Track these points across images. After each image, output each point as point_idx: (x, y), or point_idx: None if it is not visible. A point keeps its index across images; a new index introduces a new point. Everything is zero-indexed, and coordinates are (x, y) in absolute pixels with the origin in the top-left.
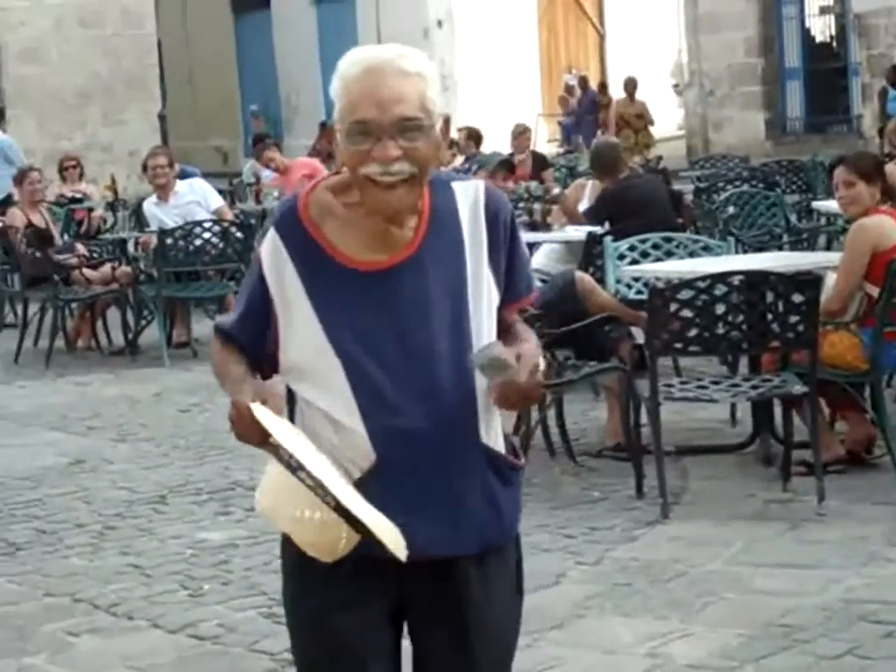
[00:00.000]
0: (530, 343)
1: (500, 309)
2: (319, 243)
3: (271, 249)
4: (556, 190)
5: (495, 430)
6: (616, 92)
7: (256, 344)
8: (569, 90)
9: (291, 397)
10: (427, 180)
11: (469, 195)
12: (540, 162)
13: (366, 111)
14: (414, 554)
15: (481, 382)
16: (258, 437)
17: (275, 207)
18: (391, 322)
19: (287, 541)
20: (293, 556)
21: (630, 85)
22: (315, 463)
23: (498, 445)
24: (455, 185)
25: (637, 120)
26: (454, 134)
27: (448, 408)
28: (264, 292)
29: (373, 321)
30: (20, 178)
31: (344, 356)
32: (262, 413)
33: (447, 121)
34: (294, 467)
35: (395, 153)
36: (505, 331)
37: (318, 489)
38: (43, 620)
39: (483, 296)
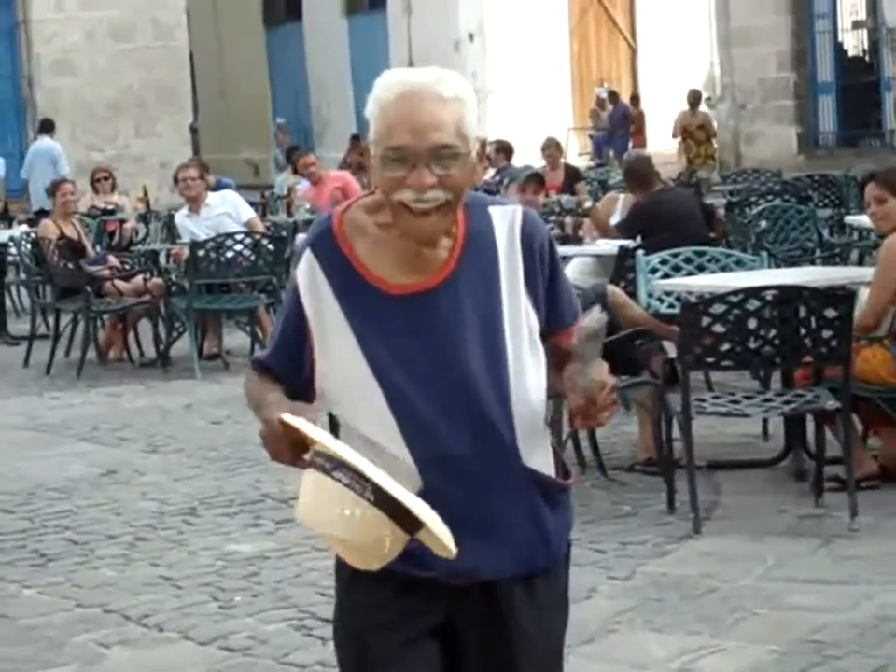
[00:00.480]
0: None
1: (550, 338)
2: (353, 263)
3: (306, 270)
4: (588, 203)
5: (540, 452)
6: (648, 106)
7: (292, 370)
8: (601, 103)
9: (333, 423)
10: (462, 203)
11: (506, 220)
12: (573, 176)
13: (401, 137)
14: (459, 578)
15: (521, 405)
16: (289, 453)
17: (310, 227)
18: (426, 345)
19: (340, 561)
20: (343, 578)
21: (692, 97)
22: (352, 457)
23: (544, 467)
24: (493, 209)
25: (698, 132)
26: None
27: (487, 432)
28: (300, 314)
29: (408, 344)
30: (53, 190)
31: (383, 379)
32: (293, 420)
33: (483, 144)
34: (329, 468)
35: (430, 181)
36: (562, 358)
37: (356, 484)
38: (74, 631)
39: (522, 321)
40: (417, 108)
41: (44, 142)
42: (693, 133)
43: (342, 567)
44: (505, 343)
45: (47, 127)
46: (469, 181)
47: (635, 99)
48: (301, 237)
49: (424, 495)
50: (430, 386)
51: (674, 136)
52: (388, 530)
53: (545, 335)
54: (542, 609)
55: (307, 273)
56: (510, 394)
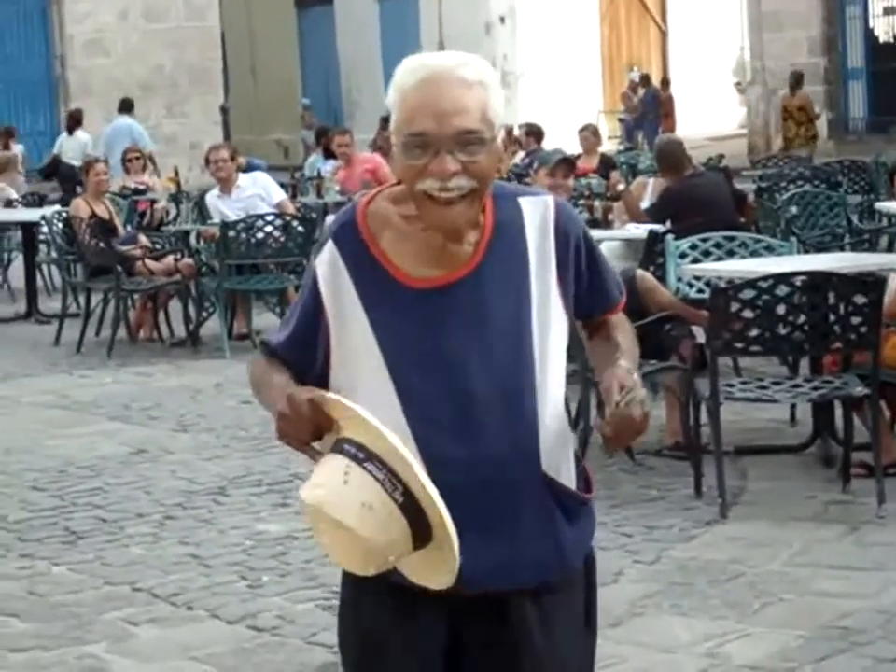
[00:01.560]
0: (623, 357)
1: (597, 317)
2: (376, 255)
3: (328, 260)
4: (621, 186)
5: (562, 460)
6: (677, 90)
7: (304, 361)
8: (633, 87)
9: None
10: (489, 194)
11: (537, 211)
12: (608, 164)
13: (423, 123)
14: (465, 587)
15: (545, 408)
16: (309, 436)
17: (335, 217)
18: (447, 342)
19: (345, 577)
20: (348, 587)
21: (793, 78)
22: (393, 449)
23: (565, 476)
24: (523, 200)
25: (799, 113)
26: (515, 131)
27: (507, 435)
28: (318, 305)
29: (428, 341)
30: (86, 169)
31: (397, 376)
32: (337, 399)
33: (510, 132)
34: (361, 458)
35: (453, 168)
36: (595, 331)
37: (388, 482)
38: (103, 608)
39: (551, 318)
40: (439, 93)
41: (124, 120)
42: (794, 113)
43: (346, 582)
44: (532, 342)
45: (126, 106)
46: (494, 169)
47: (665, 83)
48: (330, 219)
49: None
50: (448, 385)
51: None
52: (403, 537)
53: (591, 316)
54: (554, 621)
55: (328, 264)
56: (534, 396)
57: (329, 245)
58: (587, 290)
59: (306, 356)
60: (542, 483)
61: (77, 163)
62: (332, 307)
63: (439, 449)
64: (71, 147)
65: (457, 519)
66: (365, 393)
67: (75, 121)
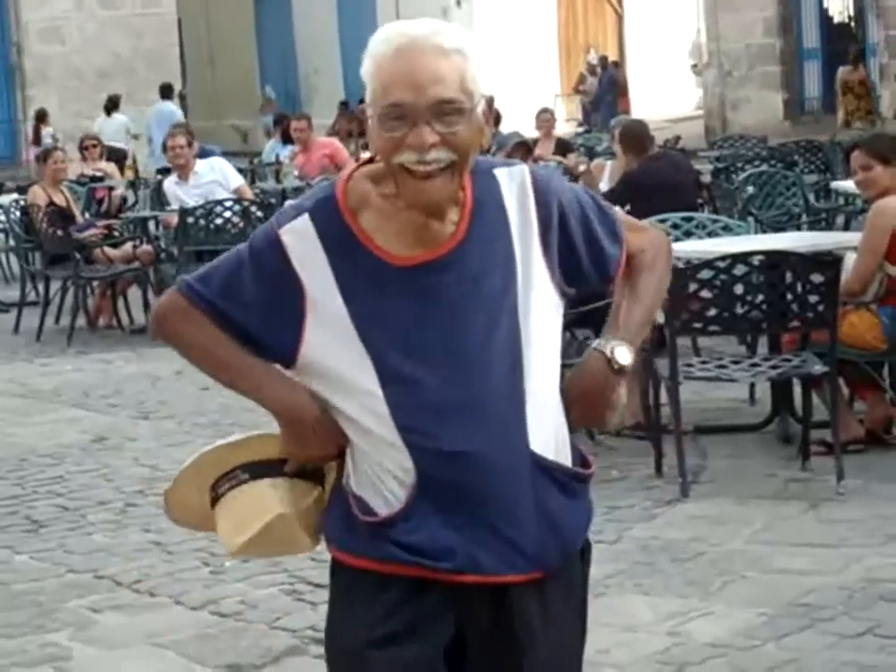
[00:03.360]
0: (621, 326)
1: (610, 277)
2: (356, 235)
3: (300, 233)
4: (583, 167)
5: (554, 438)
6: (634, 72)
7: (251, 327)
8: (591, 69)
9: None
10: (471, 164)
11: (514, 182)
12: (564, 148)
13: (399, 94)
14: (469, 575)
15: (534, 386)
16: (336, 441)
17: (310, 193)
18: (431, 322)
19: (336, 565)
20: (339, 584)
21: (853, 53)
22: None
23: (557, 454)
24: (498, 171)
25: (859, 87)
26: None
27: (494, 415)
28: (287, 276)
29: (412, 321)
30: (44, 157)
31: (377, 358)
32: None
33: (490, 102)
34: (244, 479)
35: (431, 139)
36: (627, 275)
37: (234, 479)
38: (66, 596)
39: (535, 290)
40: (416, 62)
41: (166, 105)
42: (854, 88)
43: (338, 573)
44: (518, 317)
45: (166, 92)
46: (475, 141)
47: (615, 64)
48: (289, 202)
49: (421, 485)
50: (432, 365)
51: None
52: (296, 488)
53: (590, 284)
54: (556, 610)
55: (300, 237)
56: (522, 374)
57: (305, 219)
58: (585, 256)
59: (255, 321)
60: (534, 463)
61: (117, 144)
62: (309, 285)
63: (424, 433)
64: (110, 129)
65: (448, 509)
66: (341, 375)
67: (112, 104)
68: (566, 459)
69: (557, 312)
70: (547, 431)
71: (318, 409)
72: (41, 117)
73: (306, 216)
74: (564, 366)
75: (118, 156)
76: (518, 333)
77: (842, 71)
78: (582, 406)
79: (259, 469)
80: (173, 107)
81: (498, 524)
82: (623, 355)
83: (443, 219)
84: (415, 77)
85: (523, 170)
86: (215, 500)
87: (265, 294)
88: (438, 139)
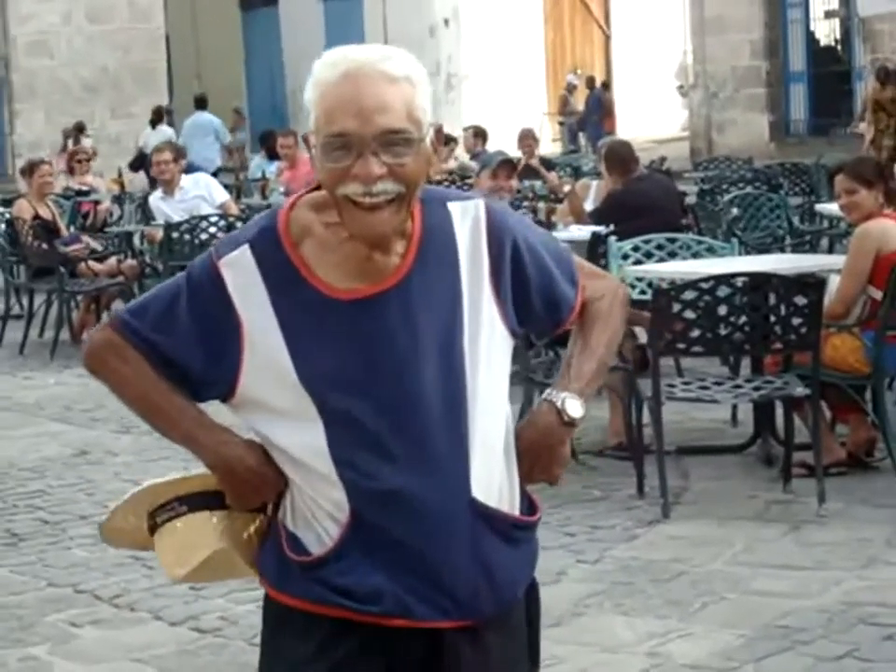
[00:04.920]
0: (574, 378)
1: (562, 321)
2: (297, 266)
3: (239, 265)
4: (567, 188)
5: (498, 483)
6: (621, 93)
7: (185, 363)
8: (571, 89)
9: None
10: (417, 199)
11: (468, 216)
12: (545, 165)
13: (344, 122)
14: (397, 619)
15: (478, 428)
16: (275, 488)
17: (252, 223)
18: (371, 358)
19: (267, 598)
20: (269, 621)
21: (882, 72)
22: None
23: (500, 500)
24: (452, 205)
25: (891, 105)
26: (457, 133)
27: (434, 457)
28: (226, 310)
29: (352, 357)
30: (30, 170)
31: (316, 394)
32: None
33: (439, 131)
34: (180, 511)
35: (378, 171)
36: (582, 322)
37: (173, 510)
38: (45, 610)
39: (484, 329)
40: (361, 89)
41: (202, 116)
42: (886, 106)
43: (269, 606)
44: (463, 357)
45: (201, 103)
46: (423, 172)
47: (605, 85)
48: (231, 233)
49: (356, 524)
50: (371, 403)
51: (863, 110)
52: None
53: (553, 326)
54: (493, 658)
55: (240, 269)
56: (466, 415)
57: (244, 251)
58: (537, 299)
59: (191, 355)
60: (473, 509)
61: None
62: (247, 319)
63: (359, 473)
64: (156, 140)
65: (381, 551)
66: (279, 410)
67: (158, 116)
68: (510, 506)
69: (507, 351)
70: (492, 476)
71: (254, 459)
72: (80, 129)
73: (246, 247)
74: (546, 384)
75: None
76: (463, 373)
77: (872, 89)
78: (531, 458)
79: (197, 501)
80: (210, 117)
81: (430, 569)
82: (575, 408)
83: (388, 252)
84: (361, 105)
85: (478, 205)
86: (153, 528)
87: (201, 327)
88: (385, 170)
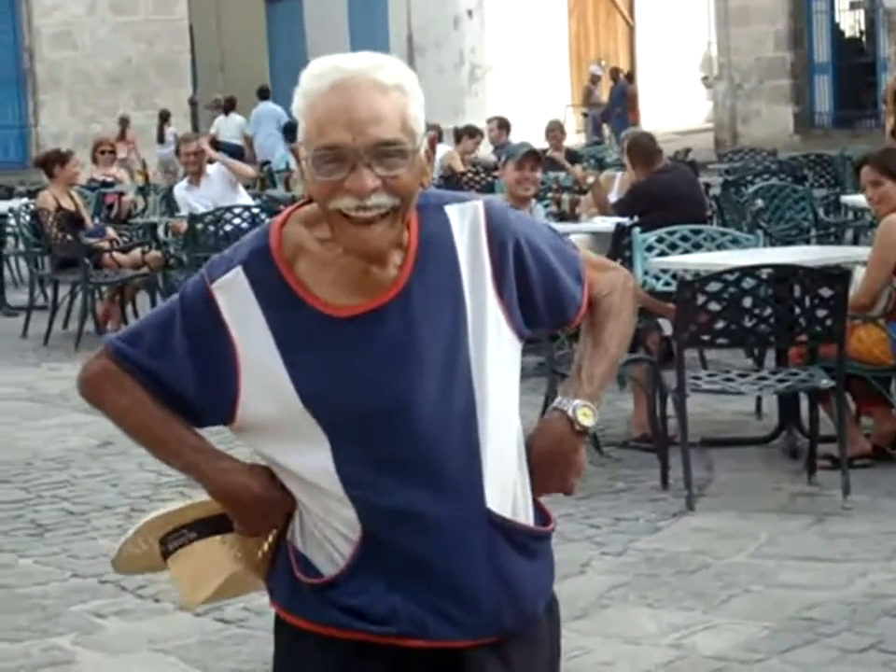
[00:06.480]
0: (585, 380)
1: (569, 320)
2: (292, 286)
3: (233, 287)
4: (591, 179)
5: (512, 495)
6: (645, 84)
7: (180, 391)
8: (595, 80)
9: None
10: (413, 208)
11: (466, 218)
12: (571, 158)
13: (336, 134)
14: (415, 639)
15: (489, 439)
16: (283, 511)
17: (244, 242)
18: (374, 374)
19: (279, 620)
20: (283, 641)
21: None
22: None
23: (515, 511)
24: (450, 208)
25: None
26: (481, 125)
27: (446, 471)
28: (221, 336)
29: (355, 374)
30: (61, 161)
31: (320, 414)
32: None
33: (433, 141)
34: (191, 538)
35: (372, 184)
36: (588, 316)
37: (183, 537)
38: (70, 601)
39: (490, 335)
40: (353, 99)
41: (267, 105)
42: None
43: (281, 628)
44: (470, 365)
45: (264, 94)
46: (417, 184)
47: (629, 76)
48: (222, 253)
49: (367, 543)
50: (379, 419)
51: (884, 101)
52: (227, 544)
53: (560, 326)
54: None
55: (234, 291)
56: (476, 426)
57: (238, 272)
58: (542, 299)
59: (187, 379)
60: (490, 523)
61: (237, 142)
62: (243, 344)
63: (370, 492)
64: (228, 128)
65: (396, 570)
66: (284, 433)
67: (230, 104)
68: (525, 517)
69: (514, 356)
70: (505, 487)
71: (259, 486)
72: (164, 117)
73: (239, 269)
74: (563, 375)
75: (234, 154)
76: (471, 382)
77: (893, 80)
78: (545, 468)
79: (206, 526)
80: (273, 106)
81: (448, 585)
82: (587, 415)
83: (386, 264)
84: (353, 116)
85: (476, 206)
86: (165, 554)
87: (196, 351)
88: (379, 183)
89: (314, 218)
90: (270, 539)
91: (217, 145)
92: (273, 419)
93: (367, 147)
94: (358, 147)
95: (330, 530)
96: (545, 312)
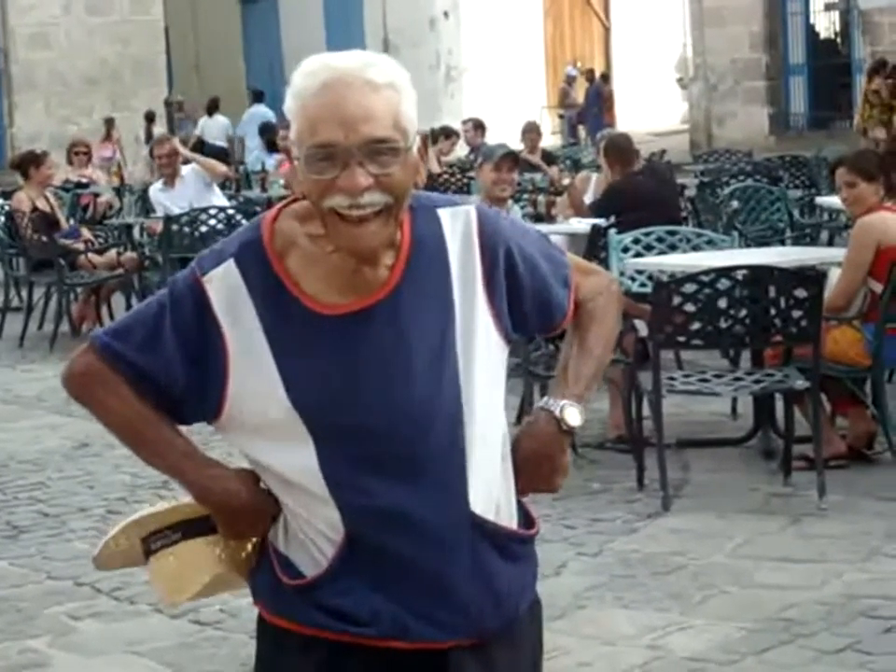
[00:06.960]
0: (572, 380)
1: (555, 325)
2: (283, 281)
3: (224, 281)
4: (567, 181)
5: (496, 497)
6: (621, 85)
7: (167, 387)
8: (570, 81)
9: None
10: (406, 208)
11: (459, 222)
12: (547, 159)
13: (328, 133)
14: (396, 640)
15: (474, 442)
16: (266, 523)
17: (235, 235)
18: (365, 374)
19: (261, 619)
20: (265, 637)
21: (872, 65)
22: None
23: (499, 514)
24: (442, 212)
25: (874, 96)
26: (458, 126)
27: (431, 472)
28: (211, 331)
29: (343, 373)
30: (37, 162)
31: (305, 412)
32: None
33: (425, 139)
34: (174, 539)
35: (365, 182)
36: (577, 323)
37: (167, 538)
38: (45, 603)
39: (478, 339)
40: (345, 97)
41: (258, 108)
42: (869, 97)
43: (264, 628)
44: (457, 368)
45: (258, 97)
46: (410, 182)
47: (605, 78)
48: (213, 246)
49: (351, 544)
50: (364, 418)
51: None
52: (222, 545)
53: (545, 331)
54: None
55: (225, 286)
56: (462, 427)
57: (229, 264)
58: (531, 305)
59: (174, 374)
60: (473, 525)
61: (221, 143)
62: (234, 339)
63: (355, 491)
64: (213, 128)
65: (378, 570)
66: (269, 431)
67: (214, 105)
68: (509, 519)
69: (501, 360)
70: (490, 490)
71: (246, 492)
72: (150, 118)
73: (231, 262)
74: (547, 377)
75: (219, 155)
76: (458, 385)
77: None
78: (531, 469)
79: (190, 528)
80: (265, 110)
81: (430, 586)
82: (574, 416)
83: (377, 264)
84: (345, 114)
85: (468, 211)
86: (147, 552)
87: (185, 345)
88: (372, 181)
89: (306, 214)
90: (254, 539)
91: (202, 146)
92: (259, 416)
93: (359, 144)
94: (351, 145)
95: (313, 531)
96: (533, 318)
